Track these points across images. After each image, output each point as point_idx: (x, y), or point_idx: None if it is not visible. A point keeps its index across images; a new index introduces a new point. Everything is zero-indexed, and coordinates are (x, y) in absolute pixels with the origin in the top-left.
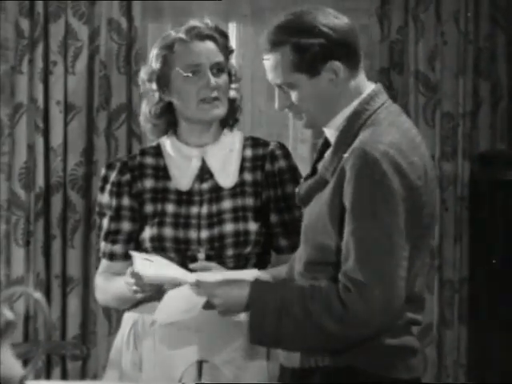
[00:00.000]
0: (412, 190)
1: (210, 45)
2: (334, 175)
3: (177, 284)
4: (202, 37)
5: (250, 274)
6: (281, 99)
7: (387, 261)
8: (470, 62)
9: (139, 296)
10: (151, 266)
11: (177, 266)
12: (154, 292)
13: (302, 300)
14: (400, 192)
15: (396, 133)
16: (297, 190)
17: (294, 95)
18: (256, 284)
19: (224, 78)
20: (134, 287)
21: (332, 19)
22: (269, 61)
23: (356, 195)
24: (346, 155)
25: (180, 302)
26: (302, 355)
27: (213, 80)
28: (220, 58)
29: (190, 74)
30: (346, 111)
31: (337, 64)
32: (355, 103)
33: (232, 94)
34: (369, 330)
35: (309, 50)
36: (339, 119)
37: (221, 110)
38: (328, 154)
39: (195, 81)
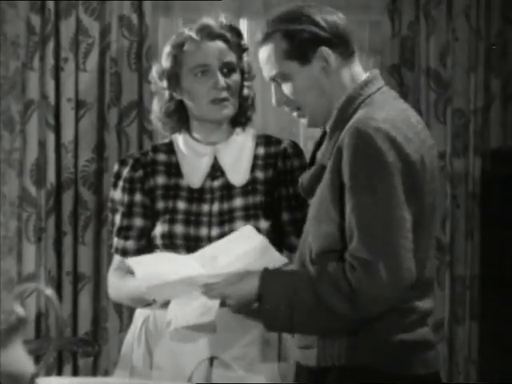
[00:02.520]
0: (408, 163)
1: (220, 44)
2: (330, 158)
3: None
4: (213, 36)
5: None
6: (277, 94)
7: (389, 234)
8: (482, 59)
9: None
10: (153, 271)
11: (183, 262)
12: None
13: (310, 284)
14: (396, 165)
15: (390, 110)
16: (300, 181)
17: (288, 87)
18: (265, 274)
19: (235, 77)
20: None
21: (324, 13)
22: (263, 54)
23: (352, 172)
24: (341, 137)
25: (194, 306)
26: (318, 354)
27: (222, 80)
28: (231, 57)
29: (199, 74)
30: (342, 99)
31: (327, 50)
32: (350, 90)
33: (245, 92)
34: (379, 307)
35: (298, 35)
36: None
37: (230, 110)
38: (325, 141)
39: (204, 81)
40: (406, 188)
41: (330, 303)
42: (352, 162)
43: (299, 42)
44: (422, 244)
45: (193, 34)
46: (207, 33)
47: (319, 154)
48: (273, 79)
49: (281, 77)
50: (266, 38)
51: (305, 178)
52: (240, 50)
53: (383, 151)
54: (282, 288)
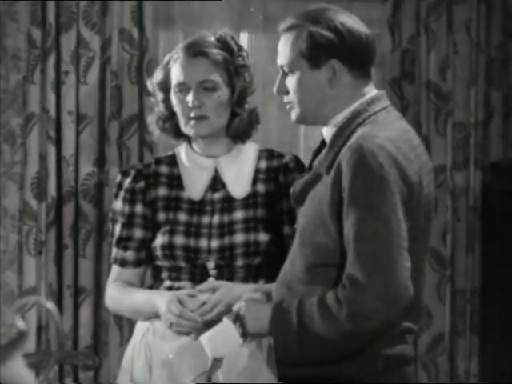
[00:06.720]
0: (408, 184)
1: (200, 62)
2: (330, 171)
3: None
4: (195, 53)
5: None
6: (281, 84)
7: (386, 250)
8: (482, 72)
9: (173, 330)
10: None
11: None
12: (190, 330)
13: (313, 314)
14: (397, 184)
15: (393, 130)
16: (291, 189)
17: (291, 81)
18: (276, 309)
19: (219, 94)
20: (170, 323)
21: (352, 22)
22: (281, 42)
23: (353, 188)
24: (343, 151)
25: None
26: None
27: (195, 99)
28: (211, 75)
29: (179, 91)
30: (346, 112)
31: (338, 63)
32: (356, 104)
33: (242, 107)
34: (375, 322)
35: (316, 39)
36: (338, 119)
37: (208, 127)
38: (324, 150)
39: (182, 99)
40: (404, 208)
41: (323, 330)
42: (353, 177)
43: (315, 45)
44: (414, 266)
45: (178, 51)
46: (190, 50)
47: (316, 162)
48: (281, 67)
49: (288, 68)
50: (288, 29)
51: (297, 184)
52: (231, 66)
53: (385, 169)
54: (289, 323)
